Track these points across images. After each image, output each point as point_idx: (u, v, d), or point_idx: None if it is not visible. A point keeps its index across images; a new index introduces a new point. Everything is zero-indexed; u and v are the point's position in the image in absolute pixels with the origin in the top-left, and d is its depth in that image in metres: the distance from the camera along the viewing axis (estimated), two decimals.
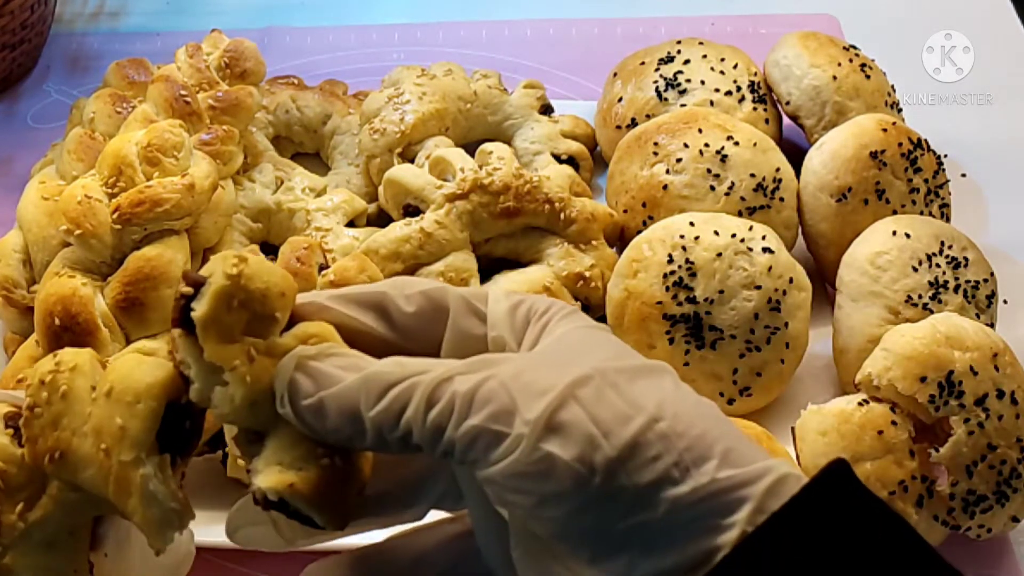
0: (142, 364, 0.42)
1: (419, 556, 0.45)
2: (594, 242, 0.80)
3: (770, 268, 0.73)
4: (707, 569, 0.35)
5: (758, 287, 0.73)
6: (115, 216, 0.69)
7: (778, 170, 0.81)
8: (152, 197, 0.70)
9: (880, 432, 0.66)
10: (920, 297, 0.73)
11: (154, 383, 0.41)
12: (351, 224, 0.82)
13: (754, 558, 0.34)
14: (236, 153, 0.80)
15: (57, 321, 0.66)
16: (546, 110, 0.93)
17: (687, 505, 0.35)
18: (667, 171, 0.80)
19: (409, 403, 0.38)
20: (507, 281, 0.77)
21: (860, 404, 0.68)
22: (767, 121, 0.87)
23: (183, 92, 0.79)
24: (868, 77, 0.87)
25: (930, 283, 0.73)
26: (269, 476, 0.40)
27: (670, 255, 0.73)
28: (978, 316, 0.74)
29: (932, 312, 0.72)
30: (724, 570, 0.34)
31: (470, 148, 0.83)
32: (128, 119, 0.78)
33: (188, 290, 0.40)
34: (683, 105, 0.86)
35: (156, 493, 0.40)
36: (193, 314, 0.39)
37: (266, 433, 0.41)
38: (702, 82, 0.87)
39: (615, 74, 0.93)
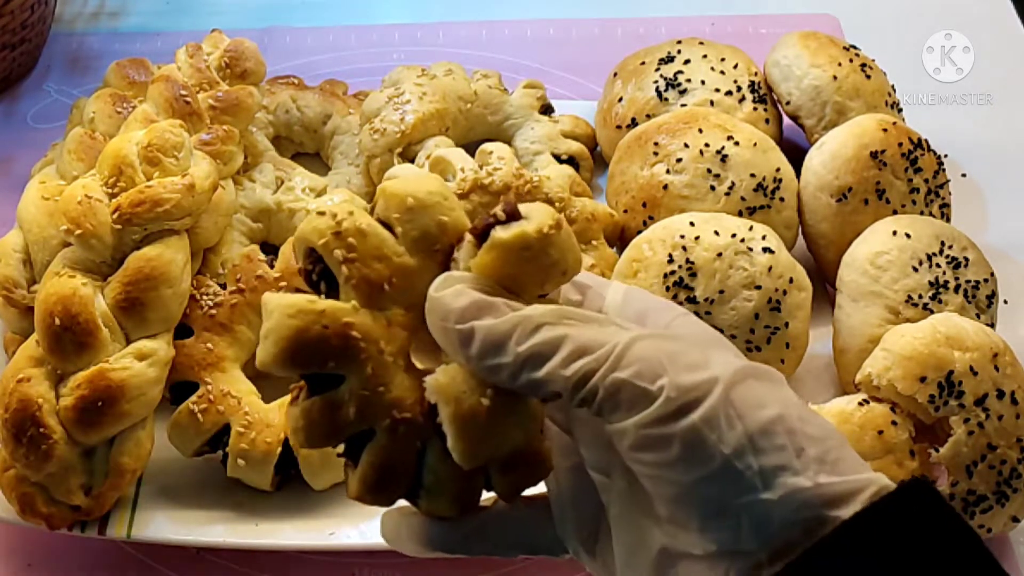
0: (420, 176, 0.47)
1: (487, 521, 0.46)
2: (594, 242, 0.80)
3: (770, 268, 0.73)
4: (790, 558, 0.38)
5: (758, 287, 0.73)
6: (115, 216, 0.69)
7: (778, 170, 0.81)
8: (152, 197, 0.70)
9: (880, 432, 0.66)
10: (920, 297, 0.73)
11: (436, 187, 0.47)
12: None
13: (836, 552, 0.38)
14: (236, 153, 0.80)
15: (57, 321, 0.66)
16: (546, 110, 0.93)
17: (801, 495, 0.38)
18: (667, 171, 0.80)
19: (560, 347, 0.40)
20: None
21: (860, 404, 0.68)
22: (767, 121, 0.87)
23: (183, 92, 0.79)
24: (868, 77, 0.87)
25: (930, 283, 0.73)
26: (439, 377, 0.43)
27: (670, 255, 0.73)
28: (978, 316, 0.74)
29: (932, 312, 0.72)
30: (807, 561, 0.38)
31: (470, 148, 0.83)
32: (128, 119, 0.78)
33: (501, 215, 0.44)
34: (683, 105, 0.86)
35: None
36: (495, 233, 0.44)
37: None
38: (702, 82, 0.87)
39: (615, 74, 0.93)
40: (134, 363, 0.67)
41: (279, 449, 0.68)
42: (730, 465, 0.39)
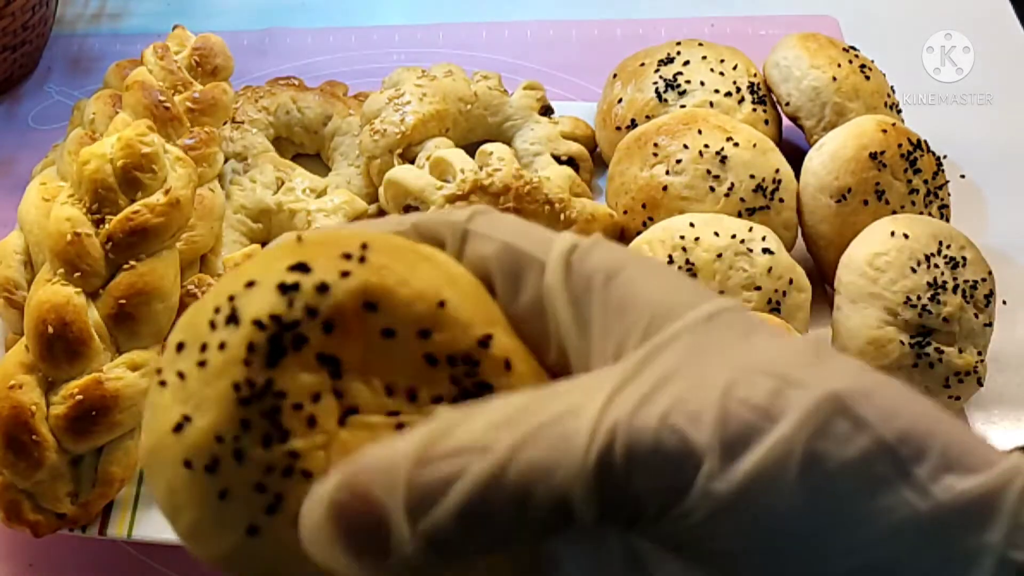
0: None
1: None
2: None
3: (770, 269, 0.74)
4: None
5: (758, 288, 0.73)
6: (108, 246, 0.68)
7: (778, 171, 0.81)
8: (142, 225, 0.69)
9: None
10: (919, 298, 0.73)
11: None
12: None
13: None
14: (219, 153, 0.80)
15: (50, 329, 0.66)
16: (546, 111, 0.93)
17: (918, 529, 0.27)
18: (667, 172, 0.80)
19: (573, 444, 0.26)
20: None
21: None
22: (767, 122, 0.88)
23: (162, 98, 0.78)
24: (868, 78, 0.87)
25: (928, 284, 0.73)
26: None
27: (670, 256, 0.73)
28: (976, 315, 0.74)
29: (931, 314, 0.72)
30: None
31: (470, 149, 0.83)
32: (108, 129, 0.77)
33: None
34: (683, 106, 0.86)
35: None
36: None
37: None
38: (702, 83, 0.87)
39: (615, 75, 0.93)
40: (127, 373, 0.67)
41: None
42: (824, 516, 0.27)
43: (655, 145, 0.81)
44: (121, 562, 0.72)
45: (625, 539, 0.28)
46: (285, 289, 0.31)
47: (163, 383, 0.32)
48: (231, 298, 0.32)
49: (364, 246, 0.32)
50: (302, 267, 0.32)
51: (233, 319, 0.31)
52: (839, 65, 0.86)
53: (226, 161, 0.84)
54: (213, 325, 0.31)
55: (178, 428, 0.30)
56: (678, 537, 0.27)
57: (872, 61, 0.90)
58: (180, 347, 0.32)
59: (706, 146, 0.80)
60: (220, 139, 0.80)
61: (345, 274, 0.32)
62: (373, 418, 0.31)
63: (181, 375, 0.31)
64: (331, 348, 0.31)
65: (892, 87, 0.90)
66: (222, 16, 1.12)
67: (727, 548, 0.27)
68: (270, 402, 0.30)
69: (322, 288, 0.31)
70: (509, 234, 0.33)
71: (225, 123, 0.85)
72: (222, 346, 0.31)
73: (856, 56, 0.89)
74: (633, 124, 0.87)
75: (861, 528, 0.26)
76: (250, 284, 0.32)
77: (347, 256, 0.32)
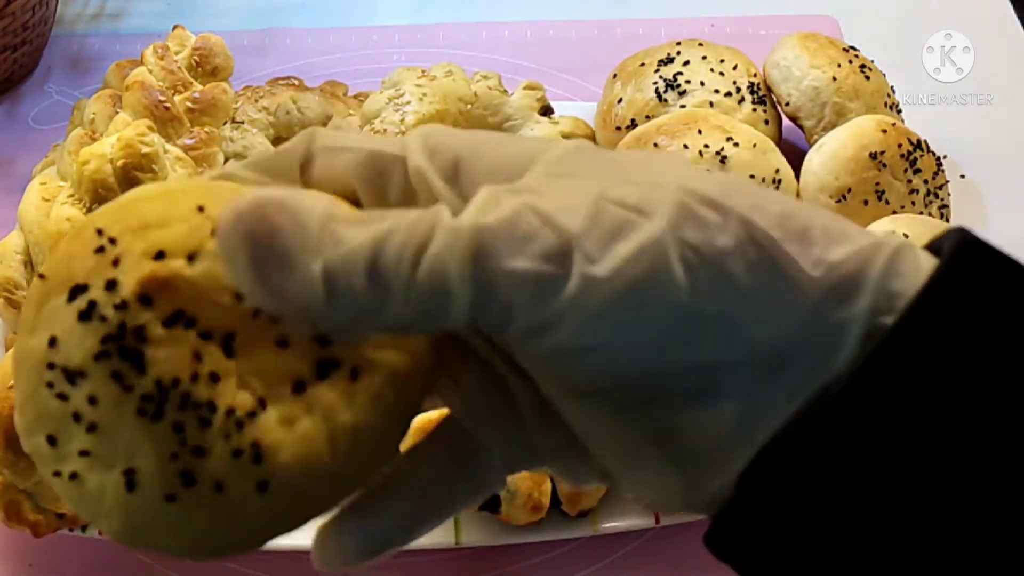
0: None
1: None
2: None
3: None
4: (846, 375, 0.27)
5: None
6: None
7: (778, 171, 0.81)
8: None
9: None
10: None
11: None
12: None
13: (906, 362, 0.27)
14: (218, 154, 0.80)
15: None
16: (546, 111, 0.93)
17: (796, 307, 0.27)
18: None
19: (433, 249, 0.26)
20: None
21: None
22: (767, 122, 0.88)
23: (162, 98, 0.78)
24: (868, 78, 0.87)
25: None
26: None
27: None
28: None
29: None
30: (867, 380, 0.27)
31: None
32: (108, 129, 0.77)
33: None
34: (683, 106, 0.86)
35: None
36: None
37: None
38: (702, 83, 0.87)
39: (615, 75, 0.93)
40: None
41: None
42: (692, 306, 0.27)
43: (655, 145, 0.81)
44: (121, 562, 0.72)
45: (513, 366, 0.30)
46: (84, 315, 0.28)
47: (72, 475, 0.29)
48: (51, 365, 0.29)
49: (100, 231, 0.30)
50: (78, 289, 0.29)
51: (70, 376, 0.28)
52: (839, 65, 0.86)
53: (226, 161, 0.84)
54: (63, 396, 0.28)
55: (129, 487, 0.28)
56: (557, 340, 0.27)
57: (872, 61, 0.90)
58: (52, 440, 0.29)
59: (706, 146, 0.80)
60: (220, 139, 0.80)
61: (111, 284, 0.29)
62: None
63: (84, 453, 0.29)
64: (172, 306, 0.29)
65: (892, 87, 0.90)
66: (222, 16, 1.12)
67: (605, 339, 0.27)
68: (177, 399, 0.28)
69: (110, 285, 0.29)
70: (361, 142, 0.32)
71: (225, 123, 0.85)
72: (92, 400, 0.28)
73: (856, 56, 0.89)
74: (633, 124, 0.87)
75: (745, 309, 0.27)
76: (52, 341, 0.29)
77: (99, 249, 0.29)
